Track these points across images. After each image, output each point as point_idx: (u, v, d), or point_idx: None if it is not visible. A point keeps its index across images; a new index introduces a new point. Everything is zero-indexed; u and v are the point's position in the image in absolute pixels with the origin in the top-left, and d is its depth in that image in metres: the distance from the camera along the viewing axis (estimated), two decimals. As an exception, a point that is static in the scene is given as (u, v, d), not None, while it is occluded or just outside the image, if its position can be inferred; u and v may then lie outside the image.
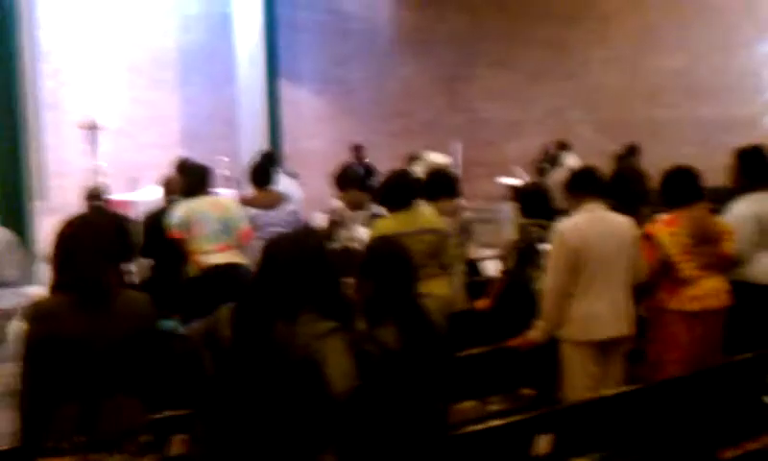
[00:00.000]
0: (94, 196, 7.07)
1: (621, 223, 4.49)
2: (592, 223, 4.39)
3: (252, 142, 12.83)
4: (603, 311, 4.36)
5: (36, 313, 2.80)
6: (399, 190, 4.90)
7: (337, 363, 2.47)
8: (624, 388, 4.19)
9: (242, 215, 6.10)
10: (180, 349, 2.84)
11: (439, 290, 4.76)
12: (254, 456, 2.55)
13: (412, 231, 4.74)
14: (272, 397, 2.53)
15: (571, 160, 10.64)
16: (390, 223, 4.85)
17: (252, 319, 2.60)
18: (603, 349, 4.43)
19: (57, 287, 2.88)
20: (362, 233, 6.56)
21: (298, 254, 2.63)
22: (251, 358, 2.55)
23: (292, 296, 2.58)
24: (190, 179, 6.16)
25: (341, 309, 2.68)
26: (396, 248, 2.94)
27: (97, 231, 2.90)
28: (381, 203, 5.10)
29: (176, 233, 5.87)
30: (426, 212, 5.08)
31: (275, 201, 6.65)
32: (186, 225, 5.83)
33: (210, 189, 6.20)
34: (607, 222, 4.45)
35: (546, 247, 5.02)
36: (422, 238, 4.77)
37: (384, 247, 2.92)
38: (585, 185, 4.51)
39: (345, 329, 2.61)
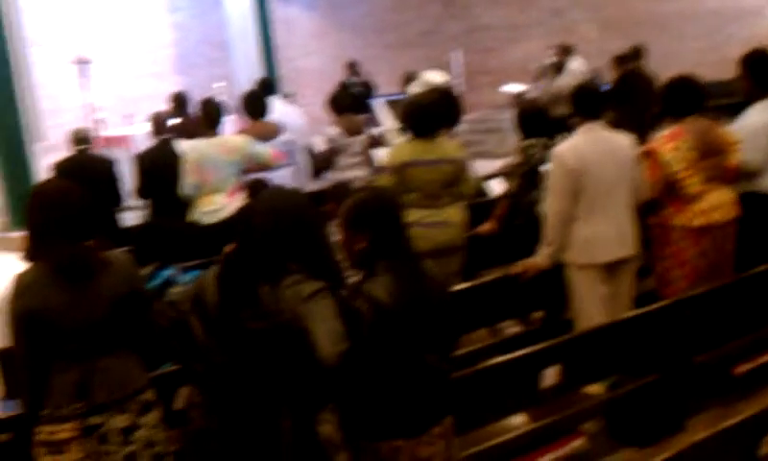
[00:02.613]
0: (80, 140, 6.65)
1: (621, 142, 4.35)
2: (592, 144, 4.24)
3: (247, 65, 12.56)
4: (607, 233, 4.26)
5: (17, 288, 2.71)
6: (422, 118, 4.77)
7: (325, 326, 2.35)
8: (636, 311, 4.10)
9: (255, 151, 5.88)
10: (168, 314, 2.72)
11: (455, 217, 4.83)
12: (250, 420, 2.48)
13: (429, 160, 4.69)
14: (262, 363, 2.44)
15: (576, 64, 10.35)
16: (407, 149, 4.78)
17: (236, 285, 2.49)
18: (610, 270, 4.34)
19: (33, 256, 2.79)
20: (380, 155, 6.48)
21: (275, 216, 2.49)
22: (237, 326, 2.46)
23: (274, 259, 2.47)
24: (203, 118, 5.96)
25: (328, 266, 2.56)
26: (387, 199, 2.80)
27: (70, 199, 2.76)
28: (404, 128, 4.95)
29: (189, 192, 5.74)
30: (446, 142, 4.96)
31: (270, 132, 6.48)
32: (199, 171, 5.68)
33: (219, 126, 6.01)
34: (606, 142, 4.29)
35: (548, 167, 4.90)
36: (440, 168, 4.72)
37: (374, 199, 2.77)
38: (584, 107, 4.33)
39: (333, 288, 2.50)
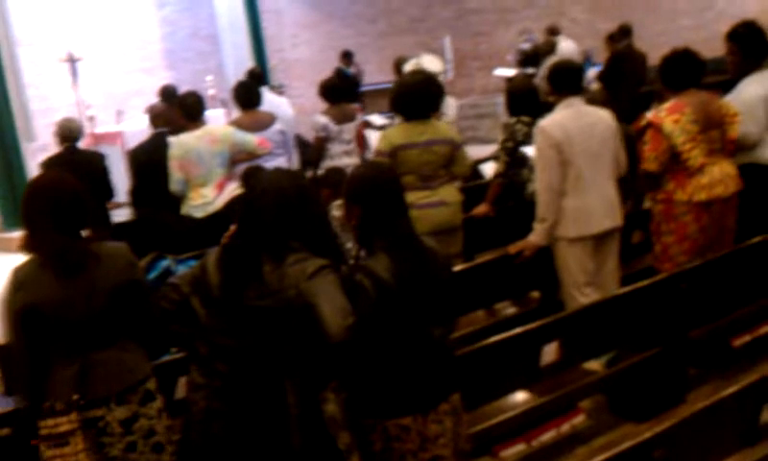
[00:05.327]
0: (68, 136, 6.51)
1: (601, 116, 4.40)
2: (573, 118, 4.29)
3: (237, 57, 12.48)
4: (594, 205, 4.30)
5: (14, 282, 2.70)
6: (412, 101, 4.70)
7: (331, 302, 2.37)
8: (632, 286, 4.10)
9: (240, 139, 5.83)
10: (170, 297, 2.71)
11: (451, 196, 4.78)
12: (253, 400, 2.48)
13: (422, 142, 4.62)
14: (266, 341, 2.45)
15: (564, 45, 10.33)
16: (399, 132, 4.72)
17: (239, 264, 2.49)
18: (597, 242, 4.38)
19: (29, 248, 2.78)
20: (373, 139, 6.46)
21: (282, 195, 2.51)
22: (241, 305, 2.46)
23: (276, 238, 2.48)
24: (180, 111, 5.92)
25: (329, 244, 2.58)
26: (382, 175, 2.80)
27: (63, 189, 2.74)
28: (394, 110, 4.93)
29: (177, 188, 5.72)
30: (438, 123, 4.94)
31: (263, 122, 6.45)
32: (183, 166, 5.65)
33: (202, 117, 5.97)
34: (587, 115, 4.36)
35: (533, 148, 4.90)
36: (434, 149, 4.65)
37: (368, 174, 2.77)
38: (563, 82, 4.38)
39: (335, 265, 2.51)
